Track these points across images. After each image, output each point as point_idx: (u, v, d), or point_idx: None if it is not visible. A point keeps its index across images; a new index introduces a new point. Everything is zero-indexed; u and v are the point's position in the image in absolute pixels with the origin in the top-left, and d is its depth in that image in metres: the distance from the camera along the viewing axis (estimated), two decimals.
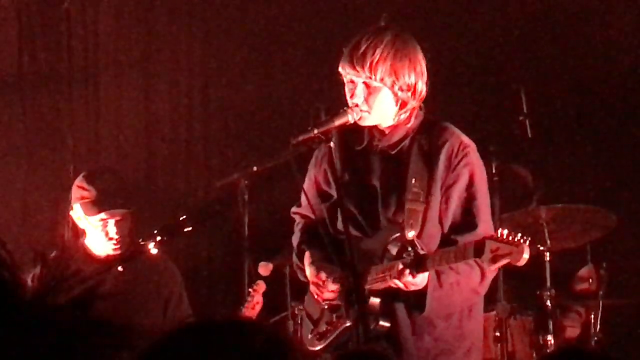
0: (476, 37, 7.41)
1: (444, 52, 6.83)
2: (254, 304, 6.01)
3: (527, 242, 3.73)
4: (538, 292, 6.10)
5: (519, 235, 3.75)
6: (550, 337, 6.04)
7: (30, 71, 7.90)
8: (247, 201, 6.35)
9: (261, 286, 6.07)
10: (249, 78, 7.82)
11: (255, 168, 6.40)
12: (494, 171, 5.97)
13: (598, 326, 6.32)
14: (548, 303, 6.08)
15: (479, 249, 3.78)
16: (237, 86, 7.84)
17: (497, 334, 6.07)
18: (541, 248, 6.08)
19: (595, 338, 6.30)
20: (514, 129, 6.21)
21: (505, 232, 3.76)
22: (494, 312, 6.01)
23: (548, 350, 6.03)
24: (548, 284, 6.05)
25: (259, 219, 6.52)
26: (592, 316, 6.32)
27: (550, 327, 6.04)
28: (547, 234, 6.10)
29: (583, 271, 6.78)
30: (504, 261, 3.75)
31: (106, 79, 7.91)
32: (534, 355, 6.19)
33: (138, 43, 7.90)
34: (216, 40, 7.88)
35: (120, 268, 4.91)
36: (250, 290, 6.07)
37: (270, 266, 6.03)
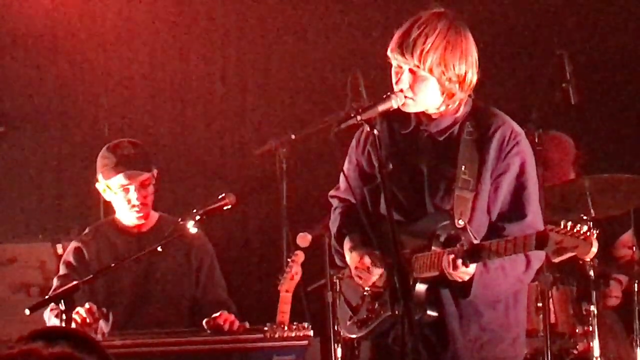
0: None
1: (485, 14, 6.68)
2: (292, 275, 6.00)
3: (595, 235, 3.60)
4: (581, 262, 5.99)
5: (585, 227, 3.61)
6: (593, 308, 5.97)
7: (62, 30, 7.83)
8: (285, 170, 6.28)
9: (300, 256, 6.05)
10: (285, 43, 7.71)
11: (293, 136, 6.32)
12: (536, 140, 5.85)
13: None
14: (591, 273, 6.00)
15: (541, 241, 3.66)
16: (273, 51, 7.72)
17: (539, 304, 5.99)
18: (584, 218, 5.99)
19: (638, 307, 6.20)
20: (556, 96, 6.07)
21: (570, 224, 3.62)
22: (536, 283, 5.93)
23: (590, 319, 5.97)
24: None
25: (298, 189, 6.46)
26: (636, 284, 6.19)
27: (594, 297, 5.97)
28: (590, 204, 6.01)
29: (625, 237, 6.69)
30: (570, 254, 3.62)
31: (140, 39, 7.83)
32: (577, 325, 6.12)
33: (173, 4, 7.80)
34: (252, 4, 7.76)
35: (159, 249, 4.87)
36: (289, 260, 6.04)
37: (309, 237, 5.98)
